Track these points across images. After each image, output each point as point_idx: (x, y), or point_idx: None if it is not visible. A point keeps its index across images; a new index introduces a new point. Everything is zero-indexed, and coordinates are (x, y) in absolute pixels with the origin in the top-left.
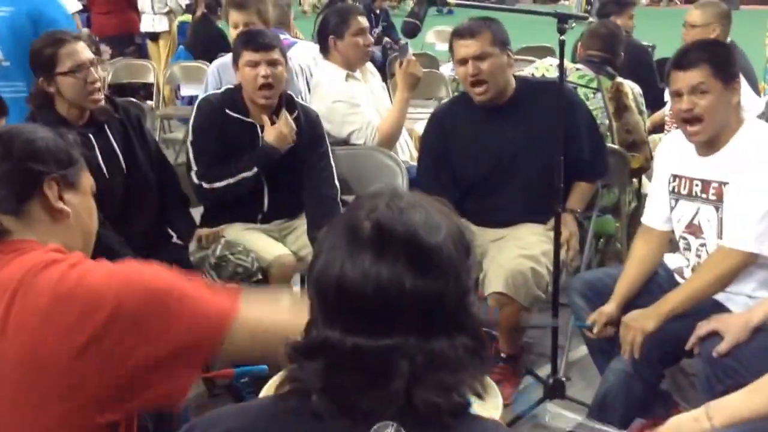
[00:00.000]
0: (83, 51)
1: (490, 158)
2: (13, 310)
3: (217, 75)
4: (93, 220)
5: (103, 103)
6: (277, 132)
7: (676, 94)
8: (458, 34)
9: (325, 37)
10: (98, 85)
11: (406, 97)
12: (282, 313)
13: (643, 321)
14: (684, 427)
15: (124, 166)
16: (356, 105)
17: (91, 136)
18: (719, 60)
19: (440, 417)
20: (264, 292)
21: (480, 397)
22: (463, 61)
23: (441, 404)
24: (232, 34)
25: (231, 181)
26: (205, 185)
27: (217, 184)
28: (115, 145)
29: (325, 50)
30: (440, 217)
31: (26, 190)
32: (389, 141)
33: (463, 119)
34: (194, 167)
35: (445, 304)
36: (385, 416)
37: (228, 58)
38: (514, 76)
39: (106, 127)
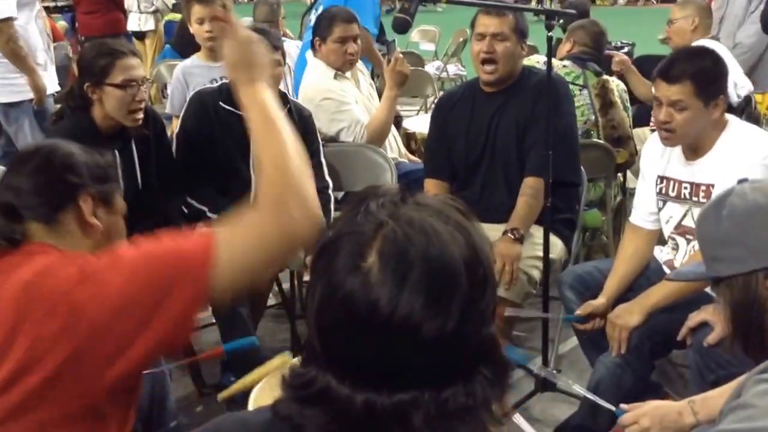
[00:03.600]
0: (138, 68)
1: (477, 142)
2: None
3: (182, 80)
4: (120, 240)
5: (140, 121)
6: None
7: (658, 102)
8: (486, 11)
9: (313, 44)
10: (143, 105)
11: (395, 95)
12: (252, 226)
13: (627, 317)
14: (667, 418)
15: (140, 182)
16: (345, 103)
17: (116, 150)
18: (704, 77)
19: None
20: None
21: (500, 423)
22: (481, 36)
23: None
24: (195, 30)
25: (193, 202)
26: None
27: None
28: (136, 161)
29: (313, 49)
30: (459, 232)
31: (62, 201)
32: (378, 138)
33: (464, 101)
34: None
35: (469, 342)
36: None
37: (190, 61)
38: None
39: (132, 141)
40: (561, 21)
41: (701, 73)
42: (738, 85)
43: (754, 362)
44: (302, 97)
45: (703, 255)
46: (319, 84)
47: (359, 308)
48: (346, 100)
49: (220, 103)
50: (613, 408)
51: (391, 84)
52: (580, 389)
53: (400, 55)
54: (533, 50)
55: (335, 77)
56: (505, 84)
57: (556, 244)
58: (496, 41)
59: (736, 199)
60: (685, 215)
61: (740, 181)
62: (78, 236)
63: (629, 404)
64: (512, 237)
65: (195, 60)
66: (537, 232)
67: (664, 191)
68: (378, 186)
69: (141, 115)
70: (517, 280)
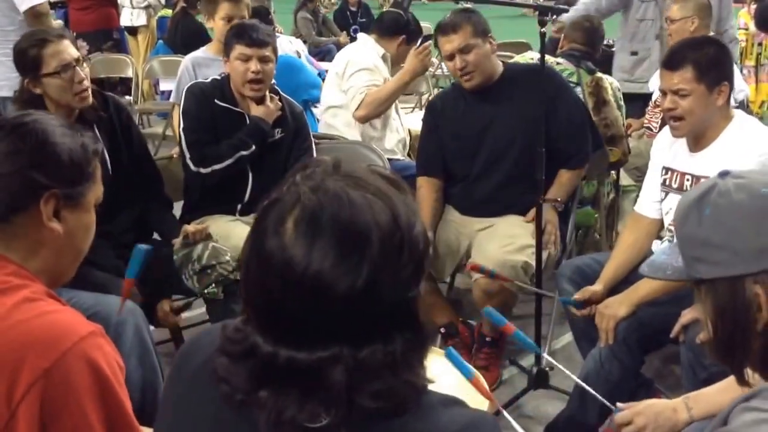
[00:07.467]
0: (68, 49)
1: (472, 142)
2: None
3: (191, 70)
4: (87, 238)
5: (91, 101)
6: (263, 107)
7: (663, 92)
8: (441, 30)
9: (395, 33)
10: (85, 84)
11: (406, 82)
12: None
13: (615, 307)
14: (662, 416)
15: (109, 167)
16: (375, 75)
17: None
18: (705, 63)
19: (382, 418)
20: None
21: (430, 381)
22: (450, 57)
23: (381, 408)
24: (219, 27)
25: (230, 161)
26: (203, 170)
27: (217, 167)
28: (102, 145)
29: (386, 40)
30: (378, 199)
31: (21, 201)
32: (370, 105)
33: (455, 102)
34: (188, 153)
35: (382, 302)
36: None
37: (201, 52)
38: (503, 63)
39: (95, 126)
40: (554, 17)
41: (702, 57)
42: (736, 89)
43: (731, 371)
44: (340, 59)
45: (683, 254)
46: (363, 55)
47: (276, 266)
48: (378, 75)
49: (215, 100)
50: (608, 404)
51: (409, 68)
52: (576, 379)
53: (430, 48)
54: (526, 47)
55: (383, 58)
56: (491, 81)
57: None
58: (464, 54)
59: (719, 198)
60: None
61: (722, 174)
62: (30, 240)
63: (625, 403)
64: (552, 206)
65: (206, 52)
66: (518, 228)
67: (667, 182)
68: (317, 159)
69: (88, 94)
70: (557, 241)
